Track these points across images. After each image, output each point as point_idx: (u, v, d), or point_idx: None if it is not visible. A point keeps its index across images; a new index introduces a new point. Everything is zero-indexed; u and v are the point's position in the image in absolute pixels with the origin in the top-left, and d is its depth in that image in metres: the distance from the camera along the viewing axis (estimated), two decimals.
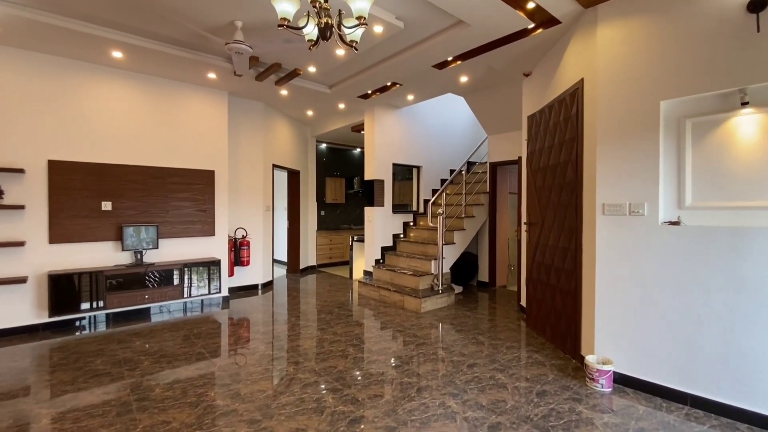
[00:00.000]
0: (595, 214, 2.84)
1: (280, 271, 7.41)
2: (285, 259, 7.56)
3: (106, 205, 4.20)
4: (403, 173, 7.21)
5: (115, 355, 3.22)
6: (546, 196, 3.61)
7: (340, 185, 8.45)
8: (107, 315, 4.20)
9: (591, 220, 2.90)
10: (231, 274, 5.29)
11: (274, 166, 6.27)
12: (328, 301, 5.07)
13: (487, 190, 5.99)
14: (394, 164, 6.11)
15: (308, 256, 7.61)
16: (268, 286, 6.02)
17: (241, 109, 5.58)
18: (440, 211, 4.99)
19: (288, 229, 7.20)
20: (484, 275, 6.05)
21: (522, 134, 4.66)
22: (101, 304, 3.99)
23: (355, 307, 4.81)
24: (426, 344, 3.48)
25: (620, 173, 2.71)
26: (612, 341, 2.77)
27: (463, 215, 5.69)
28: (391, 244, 6.02)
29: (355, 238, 6.59)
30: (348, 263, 8.10)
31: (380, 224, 5.83)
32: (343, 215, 8.82)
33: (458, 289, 5.59)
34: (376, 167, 5.78)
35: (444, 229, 5.01)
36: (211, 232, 4.91)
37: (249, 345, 3.46)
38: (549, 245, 3.55)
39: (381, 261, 5.88)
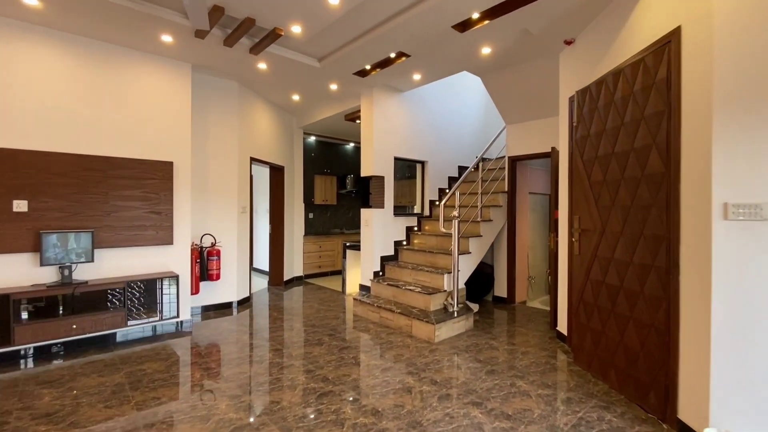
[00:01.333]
0: (708, 218, 1.94)
1: (262, 284, 6.39)
2: (268, 269, 6.54)
3: (20, 205, 3.15)
4: (405, 170, 6.28)
5: None
6: (609, 193, 2.71)
7: (330, 184, 7.47)
8: (21, 352, 3.14)
9: (699, 227, 2.00)
10: (196, 291, 4.27)
11: (253, 160, 5.27)
12: (316, 325, 4.09)
13: (506, 189, 5.10)
14: (395, 158, 5.17)
15: (294, 266, 6.61)
16: (245, 303, 5.01)
17: (210, 89, 4.57)
18: (455, 213, 4.06)
19: (270, 234, 6.19)
20: (501, 289, 5.15)
21: (559, 120, 3.77)
22: (7, 339, 2.94)
23: (350, 333, 3.84)
24: (451, 397, 2.53)
25: (759, 159, 1.81)
26: (741, 408, 1.86)
27: (479, 218, 4.77)
28: (392, 252, 5.07)
29: (348, 244, 5.62)
30: (340, 273, 7.13)
31: (379, 229, 4.88)
32: (334, 218, 7.84)
33: (474, 307, 4.66)
34: (375, 161, 4.83)
35: (459, 236, 4.08)
36: (167, 240, 3.88)
37: (207, 400, 2.46)
38: (615, 259, 2.64)
39: (381, 273, 4.92)
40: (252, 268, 7.65)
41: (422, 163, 5.59)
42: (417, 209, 5.60)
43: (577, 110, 3.14)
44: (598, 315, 2.82)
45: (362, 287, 4.96)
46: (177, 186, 3.98)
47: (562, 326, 3.60)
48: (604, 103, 2.79)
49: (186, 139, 4.04)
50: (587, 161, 2.98)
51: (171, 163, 3.91)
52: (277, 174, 6.18)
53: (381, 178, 4.96)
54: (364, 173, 4.95)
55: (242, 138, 4.95)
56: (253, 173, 8.35)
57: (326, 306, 4.92)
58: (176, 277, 3.78)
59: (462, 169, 6.16)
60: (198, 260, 4.31)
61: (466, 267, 4.47)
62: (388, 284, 4.48)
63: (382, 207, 4.94)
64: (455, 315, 3.87)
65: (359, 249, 5.32)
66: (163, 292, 3.74)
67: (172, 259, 3.94)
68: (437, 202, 5.73)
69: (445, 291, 4.15)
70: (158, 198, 3.83)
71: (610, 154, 2.71)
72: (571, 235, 3.26)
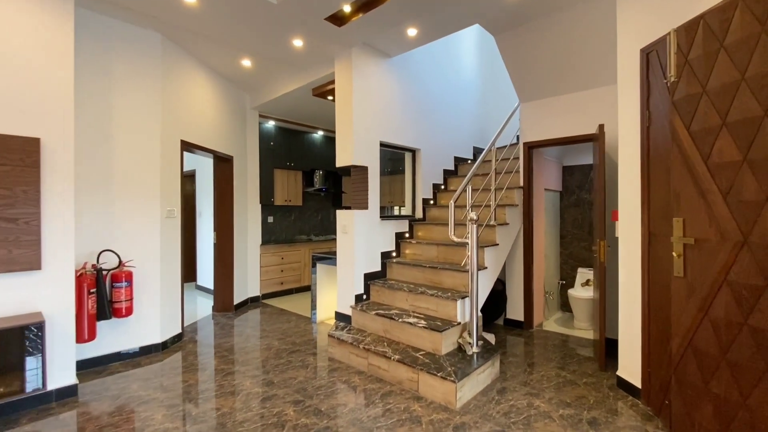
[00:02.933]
0: None
1: (205, 309, 4.92)
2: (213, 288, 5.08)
3: None
4: (386, 164, 5.08)
5: None
6: (756, 182, 1.67)
7: (294, 181, 6.12)
8: None
9: None
10: (89, 336, 2.82)
11: (187, 146, 3.86)
12: (276, 382, 2.78)
13: (521, 183, 4.04)
14: (382, 144, 3.95)
15: (249, 284, 5.20)
16: (176, 343, 3.58)
17: (117, 39, 3.14)
18: (472, 216, 2.91)
19: (216, 245, 4.76)
20: (515, 310, 4.08)
21: (600, 92, 2.73)
22: None
23: (326, 396, 2.58)
24: None
25: None
26: None
27: (492, 221, 3.67)
28: (379, 268, 3.84)
29: (318, 255, 4.32)
30: (308, 289, 5.79)
31: (362, 237, 3.64)
32: (299, 222, 6.48)
33: (490, 338, 3.54)
34: (356, 148, 3.59)
35: (477, 246, 2.93)
36: (31, 263, 2.43)
37: None
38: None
39: (365, 297, 3.68)
40: (197, 287, 6.14)
41: (413, 152, 4.41)
42: (406, 210, 4.42)
43: (674, 59, 2.08)
44: (732, 376, 1.77)
45: (339, 316, 3.69)
46: (48, 177, 2.53)
47: (629, 372, 2.55)
48: (739, 37, 1.74)
49: (65, 105, 2.60)
50: (699, 133, 1.92)
51: (36, 141, 2.45)
52: (223, 167, 4.77)
53: (363, 170, 3.73)
54: (340, 163, 3.70)
55: (169, 113, 3.54)
56: (196, 167, 6.82)
57: (291, 344, 3.60)
58: (40, 324, 2.33)
59: (459, 160, 5.06)
60: (93, 290, 2.85)
61: (483, 287, 3.34)
62: (378, 313, 3.25)
63: (366, 207, 3.71)
64: (476, 360, 2.72)
65: (334, 262, 4.05)
66: (27, 347, 2.29)
67: (41, 292, 2.48)
68: (432, 201, 4.58)
69: (459, 323, 2.99)
70: (11, 197, 2.37)
71: (757, 117, 1.66)
72: (671, 247, 2.20)
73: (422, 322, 2.99)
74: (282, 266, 5.62)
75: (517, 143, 4.42)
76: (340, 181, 6.86)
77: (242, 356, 3.29)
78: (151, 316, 3.37)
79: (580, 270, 4.57)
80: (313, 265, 4.33)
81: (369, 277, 3.71)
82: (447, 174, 4.83)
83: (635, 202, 2.49)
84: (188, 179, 6.75)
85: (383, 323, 3.22)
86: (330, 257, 4.12)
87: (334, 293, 4.46)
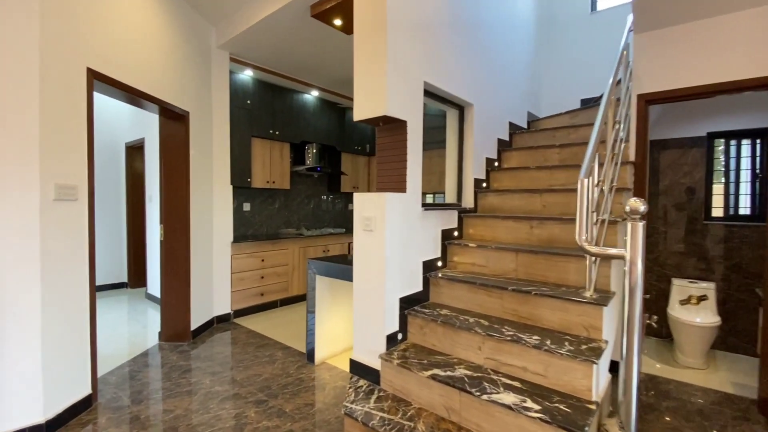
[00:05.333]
0: None
1: (154, 330, 3.39)
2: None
3: None
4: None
5: None
6: None
7: (280, 156, 4.58)
8: None
9: None
10: None
11: (99, 79, 2.28)
12: None
13: (632, 158, 2.67)
14: (426, 91, 2.48)
15: (215, 297, 3.69)
16: (76, 417, 2.07)
17: None
18: (641, 208, 1.49)
19: (163, 242, 3.21)
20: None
21: None
22: None
23: None
24: None
25: None
26: None
27: (606, 214, 2.27)
28: (420, 287, 2.41)
29: (317, 259, 2.83)
30: (296, 301, 4.30)
31: (398, 238, 2.18)
32: (286, 212, 4.97)
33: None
34: (391, 90, 2.11)
35: (643, 259, 1.52)
36: None
37: None
38: None
39: (401, 336, 2.25)
40: (148, 296, 4.50)
41: (461, 109, 2.96)
42: (448, 197, 2.98)
43: None
44: None
45: (357, 366, 2.26)
46: None
47: None
48: None
49: None
50: None
51: None
52: (173, 127, 3.20)
53: (399, 128, 2.27)
54: (362, 115, 2.21)
55: (61, 21, 1.96)
56: (144, 135, 5.13)
57: (278, 416, 2.15)
58: None
59: (514, 127, 3.65)
60: None
61: (610, 325, 1.97)
62: (434, 376, 1.84)
63: (402, 189, 2.26)
64: None
65: (342, 275, 2.59)
66: None
67: None
68: (485, 184, 3.16)
69: (594, 404, 1.61)
70: None
71: None
72: None
73: (528, 400, 1.60)
74: (262, 271, 4.12)
75: (596, 100, 3.03)
76: (338, 158, 5.35)
77: None
78: (21, 377, 1.85)
79: (675, 281, 3.31)
80: (310, 277, 2.85)
81: (406, 303, 2.28)
82: (502, 145, 3.42)
83: None
84: (134, 152, 5.10)
85: (445, 395, 1.81)
86: (336, 265, 2.65)
87: (342, 318, 3.02)
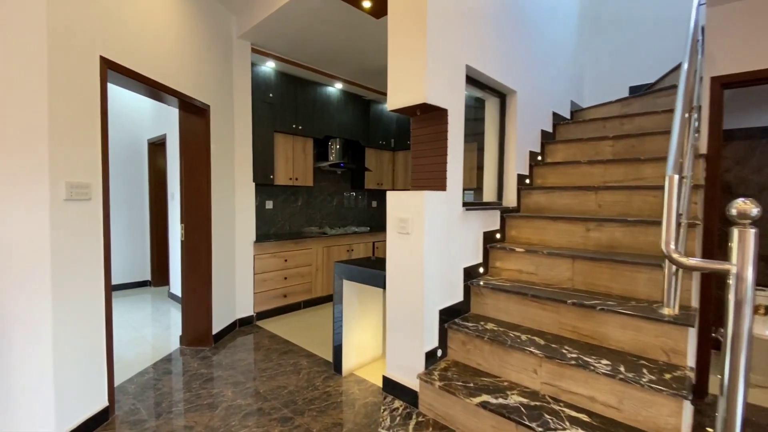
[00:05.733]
0: None
1: (176, 333, 3.28)
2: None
3: None
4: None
5: None
6: None
7: (303, 152, 4.40)
8: None
9: None
10: None
11: (114, 69, 2.12)
12: None
13: (703, 150, 2.32)
14: (468, 77, 2.20)
15: (237, 299, 3.55)
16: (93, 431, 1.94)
17: None
18: (753, 211, 1.19)
19: (184, 242, 3.08)
20: None
21: None
22: None
23: None
24: None
25: None
26: None
27: (683, 216, 1.95)
28: (461, 297, 2.15)
29: (347, 263, 2.62)
30: (320, 302, 4.11)
31: (437, 242, 1.94)
32: (308, 209, 4.80)
33: None
34: (430, 75, 1.85)
35: (754, 273, 1.22)
36: None
37: None
38: None
39: (441, 353, 2.00)
40: (170, 295, 4.37)
41: (503, 97, 2.67)
42: (487, 195, 2.70)
43: None
44: None
45: (391, 385, 2.04)
46: None
47: None
48: None
49: None
50: None
51: None
52: (194, 122, 3.04)
53: (439, 117, 2.01)
54: (397, 103, 1.97)
55: (72, 8, 1.80)
56: (167, 131, 5.05)
57: None
58: None
59: (558, 118, 3.33)
60: None
61: (695, 349, 1.67)
62: (484, 404, 1.59)
63: (442, 187, 2.00)
64: None
65: (372, 280, 2.36)
66: None
67: None
68: (528, 181, 2.86)
69: None
70: None
71: None
72: None
73: None
74: (285, 272, 3.95)
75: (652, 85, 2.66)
76: (362, 154, 5.13)
77: None
78: (31, 390, 1.72)
79: None
80: (336, 278, 2.64)
81: (446, 315, 2.04)
82: (544, 138, 3.10)
83: None
84: (157, 148, 5.03)
85: (498, 427, 1.56)
86: (366, 270, 2.43)
87: (371, 326, 2.80)
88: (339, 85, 4.65)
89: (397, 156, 5.51)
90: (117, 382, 2.50)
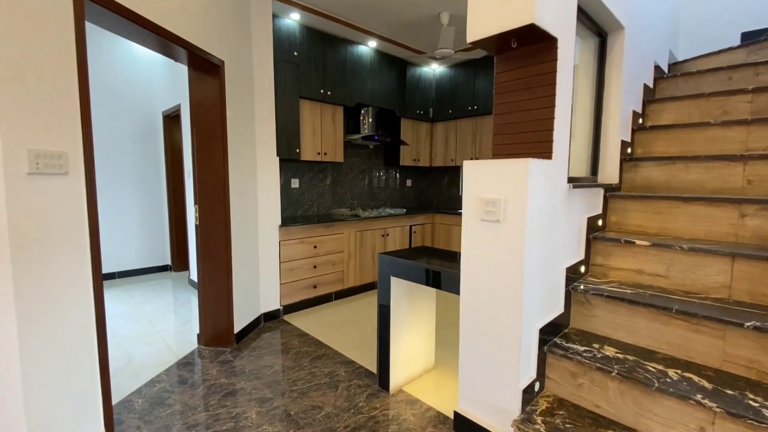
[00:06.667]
0: None
1: (185, 343, 2.87)
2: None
3: None
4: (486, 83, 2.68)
5: None
6: None
7: (332, 122, 3.83)
8: None
9: None
10: None
11: (109, 6, 1.58)
12: None
13: None
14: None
15: (261, 291, 3.11)
16: None
17: None
18: None
19: (199, 227, 2.61)
20: None
21: None
22: None
23: None
24: None
25: None
26: None
27: None
28: (561, 309, 1.57)
29: (394, 256, 2.08)
30: (355, 292, 3.61)
31: (539, 233, 1.34)
32: (339, 189, 4.28)
33: None
34: None
35: None
36: None
37: None
38: None
39: (539, 386, 1.45)
40: (191, 282, 3.96)
41: (603, 38, 1.99)
42: (576, 170, 2.07)
43: None
44: None
45: (466, 425, 1.51)
46: None
47: None
48: None
49: None
50: None
51: None
52: (206, 82, 2.51)
53: (546, 48, 1.38)
54: (483, 27, 1.35)
55: None
56: (181, 101, 4.53)
57: None
58: None
59: (658, 71, 2.61)
60: None
61: None
62: None
63: (547, 155, 1.39)
64: None
65: (435, 281, 1.81)
66: None
67: None
68: (630, 149, 2.20)
69: None
70: None
71: None
72: None
73: None
74: (315, 260, 3.47)
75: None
76: (397, 125, 4.51)
77: None
78: None
79: None
80: (381, 274, 2.11)
81: (544, 333, 1.47)
82: (646, 95, 2.40)
83: None
84: (172, 121, 4.58)
85: None
86: (420, 266, 1.87)
87: (423, 330, 2.28)
88: (372, 43, 4.00)
89: (435, 128, 4.86)
90: (124, 393, 2.10)
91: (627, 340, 1.48)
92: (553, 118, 1.38)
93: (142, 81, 4.50)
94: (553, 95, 1.38)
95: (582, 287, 1.59)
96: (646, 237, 1.71)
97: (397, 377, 2.16)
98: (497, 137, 1.54)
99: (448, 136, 4.70)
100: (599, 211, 1.88)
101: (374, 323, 3.13)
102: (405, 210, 4.47)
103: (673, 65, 2.94)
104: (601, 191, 1.89)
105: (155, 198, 4.71)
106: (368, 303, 3.64)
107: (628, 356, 1.37)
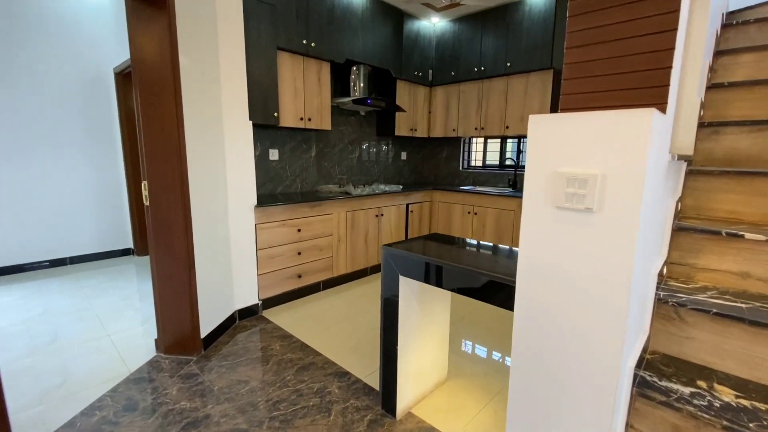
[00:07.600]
0: None
1: (141, 350, 2.35)
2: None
3: None
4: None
5: None
6: None
7: (317, 81, 3.22)
8: None
9: None
10: None
11: None
12: None
13: None
14: None
15: (235, 284, 2.59)
16: None
17: None
18: None
19: (149, 208, 2.05)
20: None
21: None
22: None
23: None
24: None
25: None
26: None
27: None
28: (648, 330, 1.13)
29: (402, 251, 1.61)
30: (346, 280, 3.11)
31: (647, 232, 0.86)
32: (325, 162, 3.73)
33: None
34: None
35: None
36: None
37: None
38: None
39: None
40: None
41: None
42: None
43: None
44: None
45: None
46: None
47: None
48: None
49: None
50: None
51: None
52: (149, 17, 1.88)
53: None
54: None
55: None
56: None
57: None
58: None
59: (727, 18, 2.12)
60: None
61: None
62: None
63: (662, 107, 0.90)
64: None
65: (481, 293, 1.34)
66: None
67: None
68: (700, 110, 1.73)
69: None
70: None
71: None
72: None
73: None
74: (299, 245, 2.96)
75: None
76: (392, 88, 3.92)
77: None
78: None
79: None
80: (386, 272, 1.64)
81: (646, 367, 1.03)
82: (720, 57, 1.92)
83: None
84: (126, 80, 3.86)
85: None
86: (450, 267, 1.40)
87: (435, 338, 1.84)
88: None
89: (435, 93, 4.29)
90: (51, 428, 1.60)
91: (741, 374, 1.07)
92: (673, 48, 0.88)
93: (85, 31, 3.73)
94: (677, 10, 0.87)
95: (670, 298, 1.15)
96: (747, 227, 1.27)
97: (405, 397, 1.73)
98: (570, 83, 1.03)
99: (450, 102, 4.15)
100: (680, 192, 1.43)
101: (370, 319, 2.69)
102: (401, 187, 3.96)
103: (729, 14, 2.46)
104: (683, 165, 1.43)
105: (110, 170, 4.04)
106: (362, 293, 3.18)
107: (757, 404, 0.95)
